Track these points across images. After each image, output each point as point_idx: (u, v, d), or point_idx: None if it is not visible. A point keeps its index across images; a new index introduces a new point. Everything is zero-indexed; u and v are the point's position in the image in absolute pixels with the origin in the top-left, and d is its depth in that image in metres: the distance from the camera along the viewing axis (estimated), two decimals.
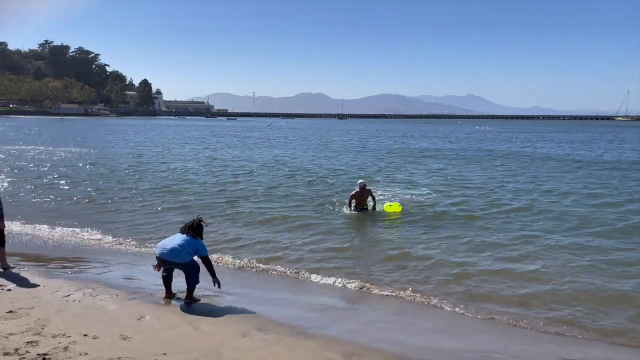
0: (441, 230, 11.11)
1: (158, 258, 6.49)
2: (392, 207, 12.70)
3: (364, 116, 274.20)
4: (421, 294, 7.24)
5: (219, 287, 6.63)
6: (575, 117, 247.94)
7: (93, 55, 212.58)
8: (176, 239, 6.55)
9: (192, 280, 6.50)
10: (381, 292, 7.33)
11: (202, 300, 6.72)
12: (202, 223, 6.79)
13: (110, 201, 14.87)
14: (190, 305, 6.53)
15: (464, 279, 7.83)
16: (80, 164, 24.56)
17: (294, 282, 7.89)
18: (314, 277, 7.99)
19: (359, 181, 12.85)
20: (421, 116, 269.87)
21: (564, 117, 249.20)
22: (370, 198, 12.78)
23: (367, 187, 12.81)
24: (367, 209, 12.69)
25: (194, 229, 6.64)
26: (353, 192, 12.76)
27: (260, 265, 8.63)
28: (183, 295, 6.68)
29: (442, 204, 14.13)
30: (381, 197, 14.73)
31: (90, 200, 15.10)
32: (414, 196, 15.50)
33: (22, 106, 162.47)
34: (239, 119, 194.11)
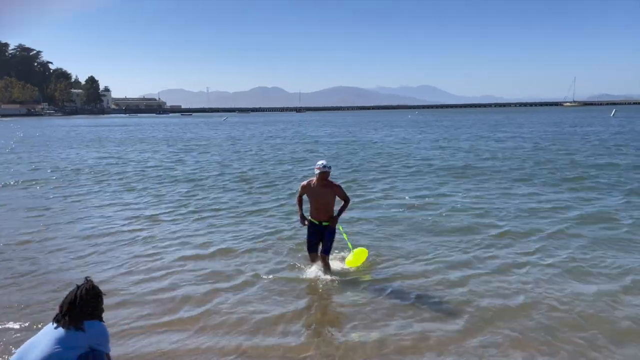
0: None
1: None
2: (354, 255, 7.68)
3: (321, 109, 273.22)
4: None
5: None
6: (525, 104, 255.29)
7: (35, 52, 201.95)
8: (43, 342, 3.58)
9: None
10: None
11: None
12: (94, 290, 3.74)
13: None
14: None
15: None
16: None
17: None
18: None
19: (319, 162, 7.09)
20: (377, 107, 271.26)
21: (514, 105, 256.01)
22: (332, 198, 7.14)
23: (337, 183, 7.24)
24: (327, 226, 7.16)
25: (81, 309, 3.61)
26: (305, 182, 7.32)
27: None
28: None
29: None
30: None
31: None
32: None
33: None
34: (194, 114, 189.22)
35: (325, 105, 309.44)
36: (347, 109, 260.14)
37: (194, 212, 11.99)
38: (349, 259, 7.65)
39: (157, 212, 11.92)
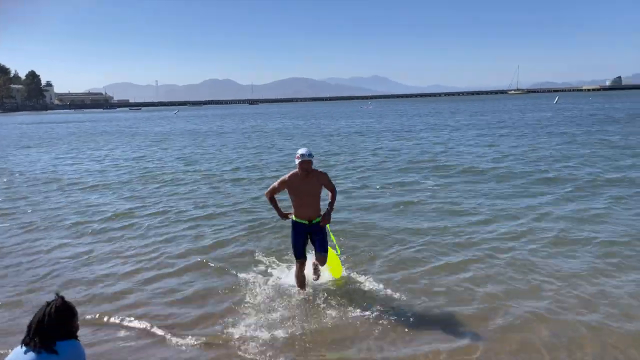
0: None
1: None
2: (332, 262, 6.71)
3: (275, 100, 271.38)
4: None
5: None
6: (472, 93, 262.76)
7: None
8: None
9: None
10: None
11: None
12: (65, 306, 3.31)
13: None
14: None
15: None
16: None
17: None
18: None
19: (300, 151, 6.06)
20: (330, 98, 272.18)
21: (463, 94, 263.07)
22: (319, 190, 6.23)
23: (323, 171, 6.29)
24: (316, 224, 6.21)
25: (52, 329, 3.21)
26: (286, 176, 6.20)
27: None
28: None
29: None
30: None
31: None
32: None
33: None
34: (143, 109, 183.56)
35: (279, 97, 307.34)
36: (302, 101, 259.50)
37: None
38: (332, 265, 6.63)
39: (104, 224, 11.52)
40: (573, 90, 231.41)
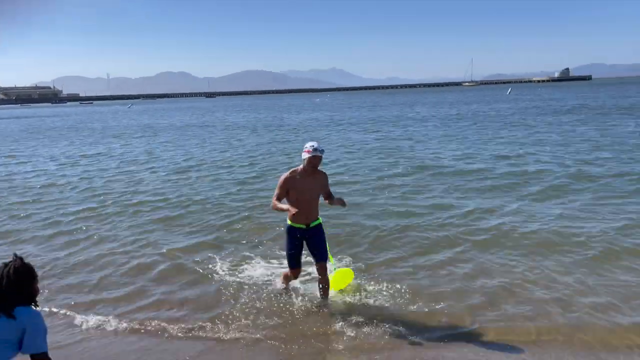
0: None
1: None
2: (337, 275, 6.01)
3: (233, 93, 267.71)
4: None
5: None
6: (428, 85, 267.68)
7: None
8: None
9: None
10: None
11: None
12: (25, 266, 3.03)
13: None
14: None
15: None
16: None
17: None
18: None
19: (309, 143, 5.34)
20: (289, 91, 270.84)
21: (418, 86, 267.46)
22: (320, 189, 5.57)
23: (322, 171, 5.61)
24: (317, 227, 5.58)
25: (9, 292, 2.93)
26: (286, 174, 5.45)
27: None
28: None
29: None
30: None
31: None
32: None
33: None
34: (94, 102, 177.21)
35: (237, 90, 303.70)
36: (260, 93, 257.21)
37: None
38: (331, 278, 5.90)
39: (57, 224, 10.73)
40: (524, 81, 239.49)
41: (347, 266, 6.53)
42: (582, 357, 4.58)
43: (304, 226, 5.46)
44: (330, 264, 5.81)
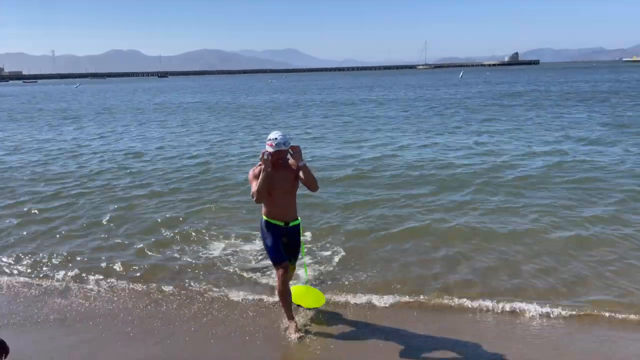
0: None
1: None
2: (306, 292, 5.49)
3: (186, 73, 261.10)
4: None
5: None
6: (383, 68, 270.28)
7: None
8: None
9: None
10: None
11: None
12: None
13: None
14: None
15: None
16: None
17: None
18: None
19: (272, 135, 4.66)
20: (244, 72, 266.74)
21: (375, 68, 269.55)
22: (296, 184, 4.92)
23: (303, 162, 4.78)
24: (296, 227, 5.04)
25: None
26: (255, 168, 4.81)
27: None
28: None
29: None
30: None
31: None
32: None
33: None
34: (39, 81, 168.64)
35: (189, 70, 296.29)
36: (215, 74, 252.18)
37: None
38: (297, 291, 5.40)
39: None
40: (475, 65, 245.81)
41: (321, 283, 6.05)
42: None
43: (282, 224, 4.89)
44: (304, 274, 5.76)
